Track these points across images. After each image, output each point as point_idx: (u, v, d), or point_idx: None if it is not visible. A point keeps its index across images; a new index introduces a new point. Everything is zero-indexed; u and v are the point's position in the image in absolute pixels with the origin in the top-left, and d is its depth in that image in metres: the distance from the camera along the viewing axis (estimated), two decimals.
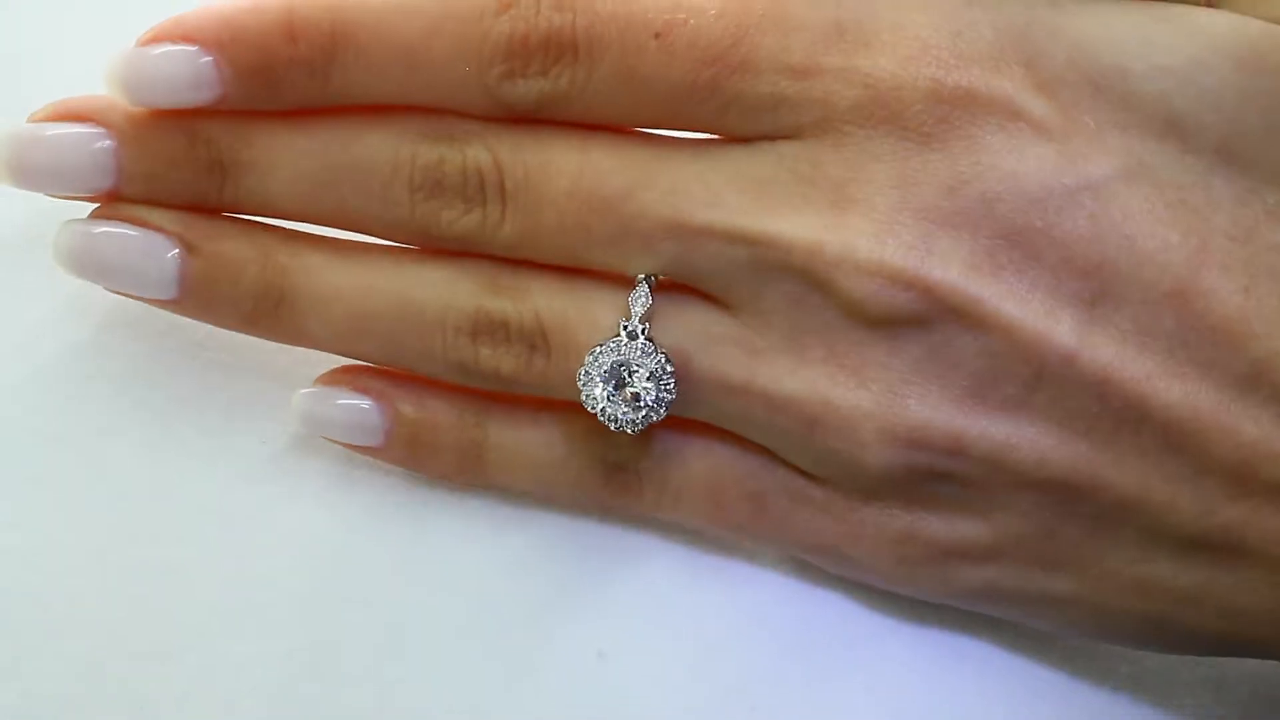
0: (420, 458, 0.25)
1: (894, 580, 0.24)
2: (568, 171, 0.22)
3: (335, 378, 0.25)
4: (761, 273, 0.22)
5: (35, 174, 0.23)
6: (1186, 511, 0.22)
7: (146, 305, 0.24)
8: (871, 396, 0.22)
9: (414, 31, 0.22)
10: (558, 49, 0.22)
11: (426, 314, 0.23)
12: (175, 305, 0.24)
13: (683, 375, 0.23)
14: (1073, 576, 0.23)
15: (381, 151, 0.23)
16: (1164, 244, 0.21)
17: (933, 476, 0.22)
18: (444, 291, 0.23)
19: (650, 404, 0.23)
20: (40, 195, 0.23)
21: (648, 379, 0.23)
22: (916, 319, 0.22)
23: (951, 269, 0.21)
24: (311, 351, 0.24)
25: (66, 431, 0.25)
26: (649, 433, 0.24)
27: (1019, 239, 0.21)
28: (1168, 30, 0.22)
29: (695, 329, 0.23)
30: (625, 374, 0.23)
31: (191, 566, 0.24)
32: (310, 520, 0.25)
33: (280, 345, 0.25)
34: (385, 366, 0.25)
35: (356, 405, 0.24)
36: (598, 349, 0.23)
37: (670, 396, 0.23)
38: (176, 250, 0.23)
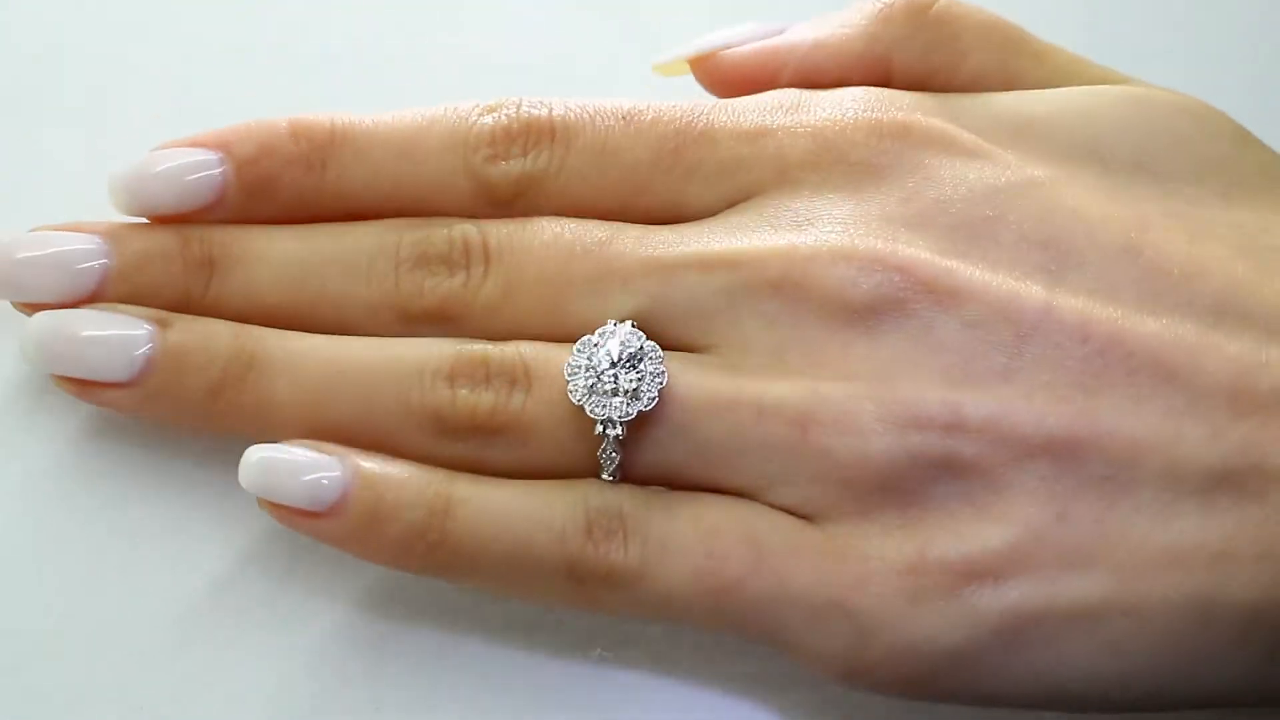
0: (379, 522, 0.22)
1: (908, 627, 0.22)
2: (549, 230, 0.24)
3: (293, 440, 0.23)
4: (738, 298, 0.23)
5: (28, 291, 0.24)
6: (1195, 441, 0.22)
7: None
8: (863, 385, 0.22)
9: (407, 129, 0.24)
10: (536, 134, 0.24)
11: (404, 363, 0.23)
12: (132, 389, 0.23)
13: (667, 399, 0.23)
14: (1102, 568, 0.22)
15: (368, 238, 0.24)
16: (1108, 215, 0.23)
17: (934, 468, 0.22)
18: (423, 345, 0.23)
19: (641, 389, 0.22)
20: None
21: (634, 360, 0.23)
22: (894, 303, 0.23)
23: (920, 252, 0.23)
24: None
25: (67, 430, 0.25)
26: (633, 481, 0.23)
27: (975, 228, 0.23)
28: (1059, 94, 0.25)
29: (675, 357, 0.23)
30: (611, 360, 0.22)
31: (192, 566, 0.24)
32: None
33: None
34: (352, 434, 0.23)
35: (314, 456, 0.23)
36: (585, 339, 0.23)
37: (662, 380, 0.23)
38: (150, 327, 0.23)
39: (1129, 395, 0.22)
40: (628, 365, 0.22)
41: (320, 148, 0.24)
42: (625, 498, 0.23)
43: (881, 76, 0.25)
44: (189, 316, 0.24)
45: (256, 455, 0.23)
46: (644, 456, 0.23)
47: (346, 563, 0.24)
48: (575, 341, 0.23)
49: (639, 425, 0.23)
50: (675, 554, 0.22)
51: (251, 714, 0.24)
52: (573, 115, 0.24)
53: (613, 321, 0.23)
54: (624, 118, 0.25)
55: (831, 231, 0.23)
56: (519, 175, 0.24)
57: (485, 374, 0.23)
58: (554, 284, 0.24)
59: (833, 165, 0.24)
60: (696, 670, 0.25)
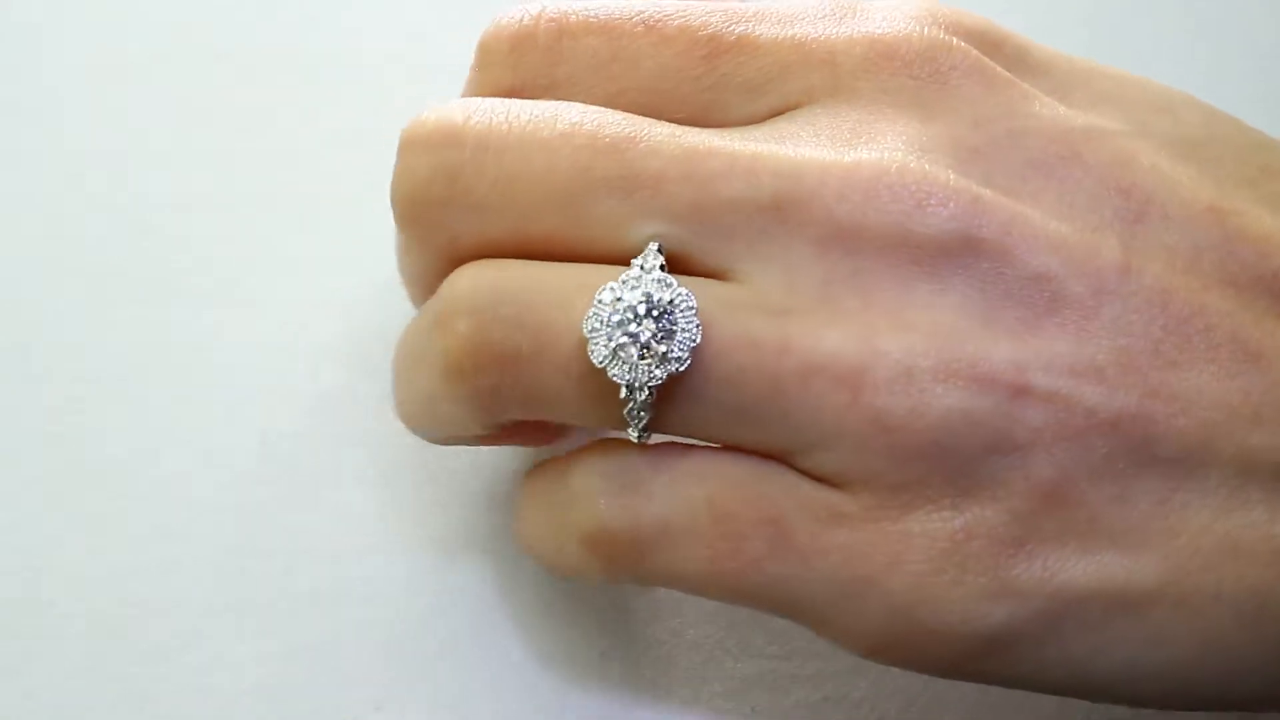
0: None
1: (945, 608, 0.20)
2: (568, 115, 0.21)
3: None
4: (789, 215, 0.20)
5: None
6: (1272, 429, 0.20)
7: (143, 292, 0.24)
8: (922, 338, 0.20)
9: None
10: (544, 45, 0.21)
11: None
12: None
13: (702, 353, 0.20)
14: (1156, 554, 0.20)
15: None
16: (1188, 174, 0.21)
17: (992, 436, 0.20)
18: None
19: (670, 352, 0.20)
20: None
21: (663, 314, 0.19)
22: (964, 243, 0.20)
23: (994, 190, 0.20)
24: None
25: (66, 430, 0.25)
26: (662, 431, 0.21)
27: (1051, 166, 0.21)
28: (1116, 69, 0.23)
29: (711, 297, 0.20)
30: (634, 315, 0.19)
31: (191, 566, 0.24)
32: (310, 521, 0.25)
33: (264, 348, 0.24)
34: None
35: None
36: (609, 286, 0.20)
37: (694, 339, 0.20)
38: None
39: (1209, 373, 0.20)
40: (655, 320, 0.19)
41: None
42: (641, 466, 0.21)
43: None
44: None
45: None
46: (676, 413, 0.20)
47: (346, 564, 0.24)
48: (592, 254, 0.20)
49: (670, 384, 0.20)
50: (686, 536, 0.21)
51: (251, 714, 0.24)
52: (579, 19, 0.21)
53: (639, 262, 0.20)
54: (645, 24, 0.21)
55: (897, 151, 0.20)
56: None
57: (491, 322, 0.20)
58: (567, 178, 0.20)
59: (894, 75, 0.21)
60: (696, 671, 0.25)
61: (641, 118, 0.21)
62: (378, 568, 0.25)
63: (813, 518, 0.20)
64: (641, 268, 0.20)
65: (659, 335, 0.19)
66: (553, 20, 0.22)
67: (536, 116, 0.21)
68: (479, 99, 0.21)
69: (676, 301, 0.20)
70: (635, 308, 0.19)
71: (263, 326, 0.27)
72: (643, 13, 0.21)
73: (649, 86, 0.21)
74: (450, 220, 0.21)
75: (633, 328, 0.19)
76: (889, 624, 0.20)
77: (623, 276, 0.20)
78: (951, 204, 0.20)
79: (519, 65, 0.22)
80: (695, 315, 0.20)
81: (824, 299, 0.20)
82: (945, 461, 0.20)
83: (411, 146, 0.21)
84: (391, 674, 0.24)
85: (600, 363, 0.20)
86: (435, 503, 0.25)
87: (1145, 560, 0.20)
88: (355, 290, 0.27)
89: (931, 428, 0.20)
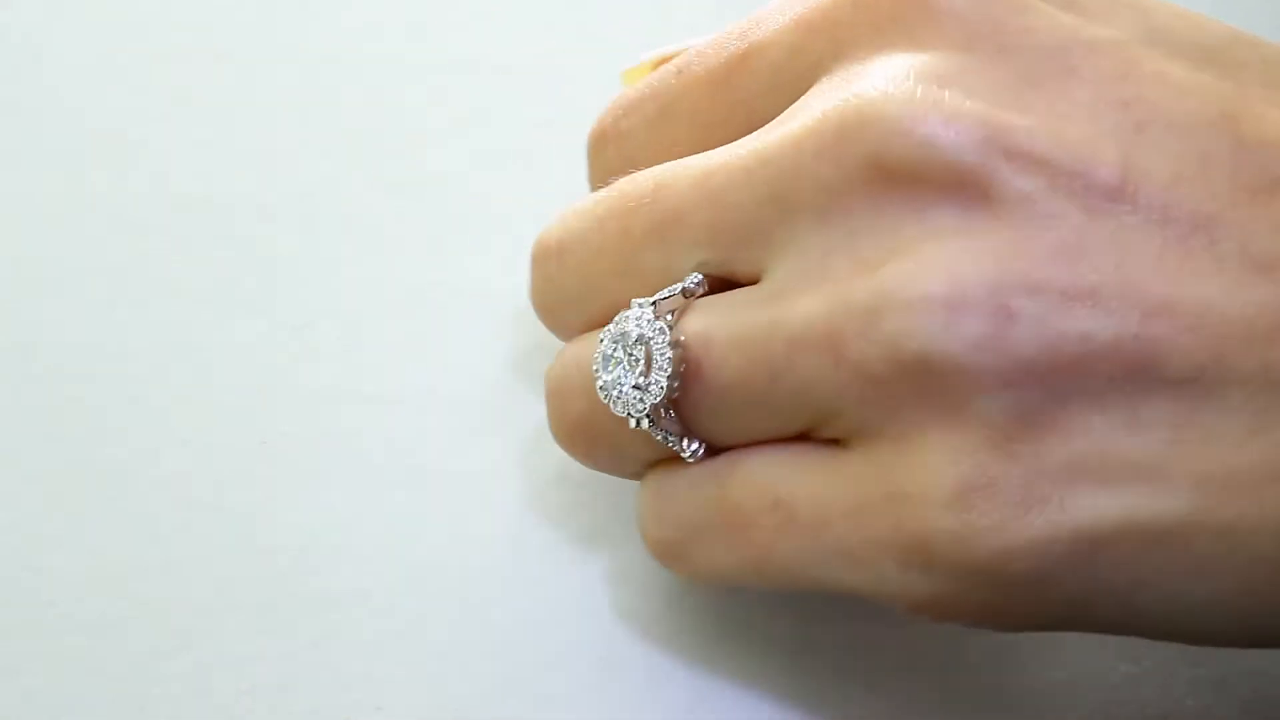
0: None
1: (965, 559, 0.19)
2: (604, 196, 0.23)
3: None
4: (783, 201, 0.20)
5: None
6: None
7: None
8: (892, 276, 0.19)
9: None
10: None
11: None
12: None
13: (693, 369, 0.21)
14: (1183, 482, 0.18)
15: None
16: (1200, 82, 0.20)
17: (980, 373, 0.19)
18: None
19: (651, 382, 0.21)
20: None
21: (637, 347, 0.21)
22: (941, 170, 0.19)
23: (973, 109, 0.19)
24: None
25: (65, 432, 0.25)
26: (712, 444, 0.22)
27: (1044, 82, 0.20)
28: None
29: (716, 309, 0.21)
30: (609, 356, 0.21)
31: (191, 567, 0.24)
32: (308, 524, 0.25)
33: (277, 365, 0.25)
34: None
35: None
36: (604, 330, 0.22)
37: (666, 367, 0.21)
38: None
39: (1217, 287, 0.18)
40: (631, 355, 0.21)
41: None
42: (676, 477, 0.22)
43: None
44: None
45: None
46: (706, 426, 0.21)
47: (344, 567, 0.24)
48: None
49: (686, 403, 0.21)
50: (708, 533, 0.22)
51: (251, 714, 0.24)
52: (635, 94, 0.24)
53: (636, 304, 0.21)
54: (677, 71, 0.23)
55: (878, 83, 0.20)
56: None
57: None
58: (619, 249, 0.22)
59: (884, 18, 0.21)
60: (698, 670, 0.25)
61: (672, 162, 0.22)
62: (376, 576, 0.24)
63: (813, 492, 0.20)
64: (629, 309, 0.21)
65: (641, 369, 0.21)
66: (617, 106, 0.24)
67: (584, 208, 0.23)
68: (561, 217, 0.24)
69: (647, 335, 0.21)
70: (605, 351, 0.21)
71: (260, 326, 0.27)
72: (678, 64, 0.23)
73: (697, 123, 0.23)
74: (562, 315, 0.24)
75: (615, 371, 0.21)
76: (910, 584, 0.19)
77: (615, 319, 0.21)
78: (920, 131, 0.19)
79: (603, 155, 0.24)
80: (668, 346, 0.21)
81: (821, 272, 0.20)
82: (935, 404, 0.19)
83: (531, 262, 0.24)
84: (392, 674, 0.24)
85: (604, 400, 0.21)
86: (435, 504, 0.25)
87: (1172, 490, 0.18)
88: (353, 290, 0.27)
89: (910, 368, 0.19)
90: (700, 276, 0.21)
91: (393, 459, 0.26)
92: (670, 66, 0.23)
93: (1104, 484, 0.19)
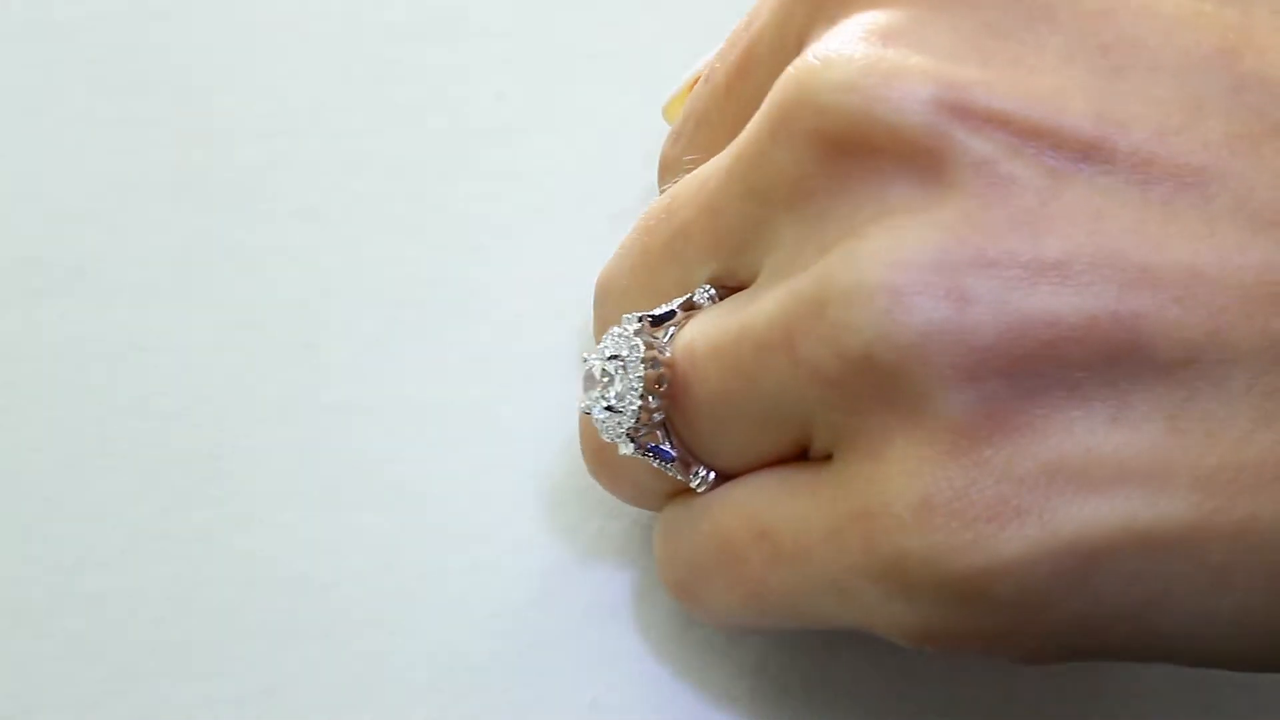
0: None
1: (947, 581, 0.17)
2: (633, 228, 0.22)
3: None
4: (761, 198, 0.19)
5: None
6: None
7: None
8: (838, 262, 0.17)
9: None
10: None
11: None
12: None
13: (688, 373, 0.19)
14: (1184, 481, 0.16)
15: None
16: (1197, 11, 0.17)
17: (942, 367, 0.16)
18: None
19: (624, 405, 0.20)
20: None
21: (612, 372, 0.20)
22: (889, 137, 0.17)
23: (920, 58, 0.17)
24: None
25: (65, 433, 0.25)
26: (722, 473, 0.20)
27: (1012, 29, 0.17)
28: None
29: (706, 318, 0.20)
30: (591, 382, 0.20)
31: (193, 566, 0.24)
32: (299, 555, 0.24)
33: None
34: None
35: None
36: (604, 336, 0.20)
37: (635, 386, 0.19)
38: None
39: (1209, 249, 0.16)
40: (606, 375, 0.20)
41: None
42: (679, 511, 0.21)
43: None
44: None
45: None
46: (703, 450, 0.20)
47: (332, 602, 0.24)
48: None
49: (673, 426, 0.20)
50: (706, 571, 0.20)
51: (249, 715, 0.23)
52: (681, 116, 0.23)
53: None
54: (705, 82, 0.22)
55: (819, 48, 0.18)
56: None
57: None
58: (641, 268, 0.21)
59: None
60: (698, 675, 0.24)
61: (683, 178, 0.21)
62: (368, 609, 0.24)
63: (791, 516, 0.18)
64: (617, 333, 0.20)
65: (616, 390, 0.20)
66: (671, 133, 0.23)
67: (625, 239, 0.22)
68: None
69: (624, 354, 0.20)
70: (593, 372, 0.20)
71: (272, 329, 0.26)
72: (704, 74, 0.22)
73: (726, 129, 0.21)
74: None
75: (594, 392, 0.20)
76: (897, 613, 0.17)
77: (600, 340, 0.20)
78: (857, 96, 0.17)
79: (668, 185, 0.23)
80: (639, 363, 0.19)
81: (790, 265, 0.18)
82: (893, 405, 0.17)
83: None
84: (371, 715, 0.23)
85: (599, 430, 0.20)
86: (435, 542, 0.24)
87: (1172, 491, 0.16)
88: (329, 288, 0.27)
89: (859, 365, 0.17)
90: (711, 290, 0.20)
91: (390, 484, 0.25)
92: (702, 79, 0.22)
93: (1091, 489, 0.16)
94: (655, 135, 0.25)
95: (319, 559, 0.24)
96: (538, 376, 0.26)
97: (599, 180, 0.28)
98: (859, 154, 0.17)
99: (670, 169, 0.23)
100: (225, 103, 0.28)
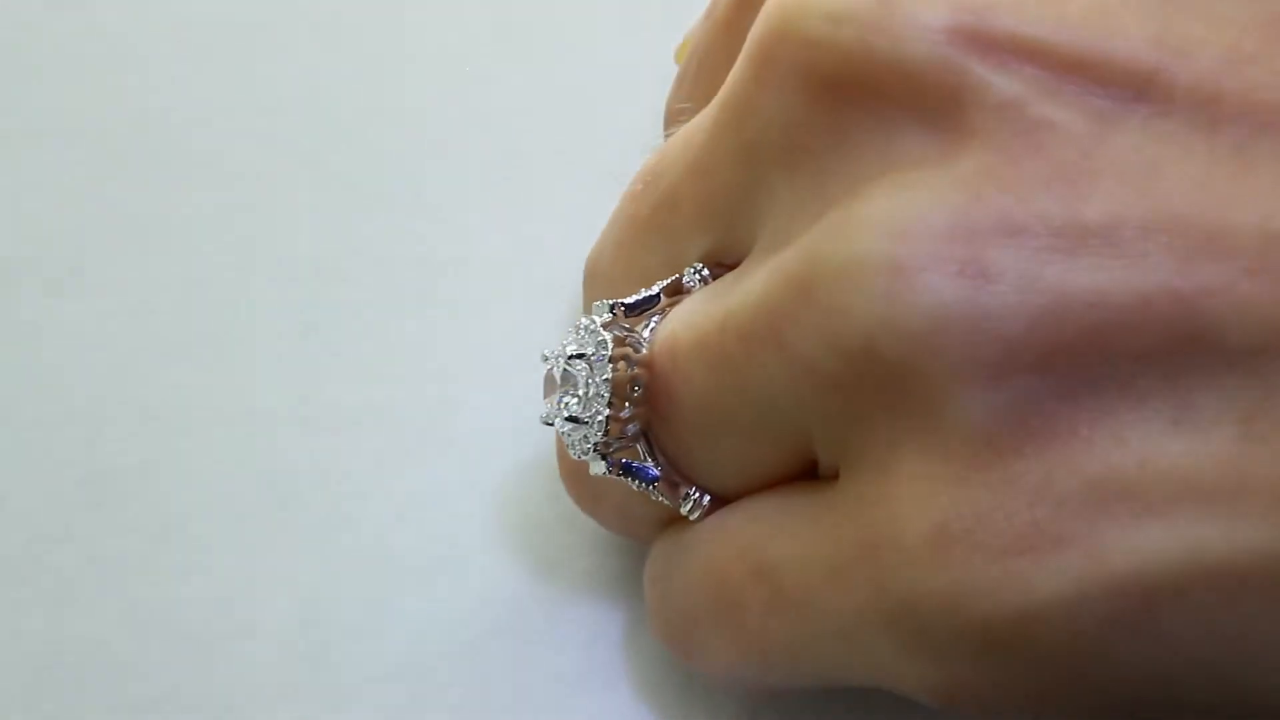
0: None
1: (967, 630, 0.14)
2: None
3: None
4: (758, 156, 0.16)
5: None
6: None
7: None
8: (829, 236, 0.14)
9: None
10: None
11: None
12: None
13: (670, 373, 0.16)
14: (1263, 500, 0.13)
15: None
16: None
17: (959, 363, 0.14)
18: None
19: (592, 415, 0.17)
20: None
21: (575, 377, 0.17)
22: (893, 74, 0.14)
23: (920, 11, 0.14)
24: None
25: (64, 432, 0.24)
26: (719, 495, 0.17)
27: None
28: None
29: (689, 304, 0.17)
30: (563, 371, 0.17)
31: (190, 571, 0.23)
32: (295, 577, 0.23)
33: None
34: None
35: None
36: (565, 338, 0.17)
37: (604, 393, 0.16)
38: None
39: (1266, 189, 0.13)
40: (570, 383, 0.17)
41: None
42: (669, 547, 0.18)
43: None
44: None
45: None
46: (695, 469, 0.17)
47: (325, 619, 0.22)
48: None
49: (658, 439, 0.17)
50: (702, 620, 0.17)
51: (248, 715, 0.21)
52: (684, 62, 0.21)
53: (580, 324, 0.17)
54: (705, 19, 0.20)
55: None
56: None
57: None
58: (630, 244, 0.18)
59: None
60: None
61: (676, 132, 0.18)
62: (360, 631, 0.22)
63: (790, 552, 0.16)
64: (580, 327, 0.17)
65: (580, 396, 0.17)
66: (675, 82, 0.21)
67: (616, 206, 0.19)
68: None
69: (589, 352, 0.17)
70: (554, 374, 0.17)
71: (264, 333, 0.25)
72: (705, 12, 0.20)
73: (722, 79, 0.18)
74: None
75: (557, 400, 0.17)
76: (916, 668, 0.14)
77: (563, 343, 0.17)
78: (849, 27, 0.14)
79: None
80: (606, 363, 0.16)
81: (786, 236, 0.15)
82: (903, 409, 0.14)
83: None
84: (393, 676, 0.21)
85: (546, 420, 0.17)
86: (439, 564, 0.23)
87: (1247, 512, 0.13)
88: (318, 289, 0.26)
89: (858, 359, 0.14)
90: (703, 270, 0.17)
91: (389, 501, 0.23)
92: (704, 14, 0.19)
93: (1148, 511, 0.13)
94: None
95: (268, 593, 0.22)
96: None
97: (606, 137, 0.25)
98: (857, 97, 0.14)
99: (674, 121, 0.20)
100: (152, 102, 0.28)
